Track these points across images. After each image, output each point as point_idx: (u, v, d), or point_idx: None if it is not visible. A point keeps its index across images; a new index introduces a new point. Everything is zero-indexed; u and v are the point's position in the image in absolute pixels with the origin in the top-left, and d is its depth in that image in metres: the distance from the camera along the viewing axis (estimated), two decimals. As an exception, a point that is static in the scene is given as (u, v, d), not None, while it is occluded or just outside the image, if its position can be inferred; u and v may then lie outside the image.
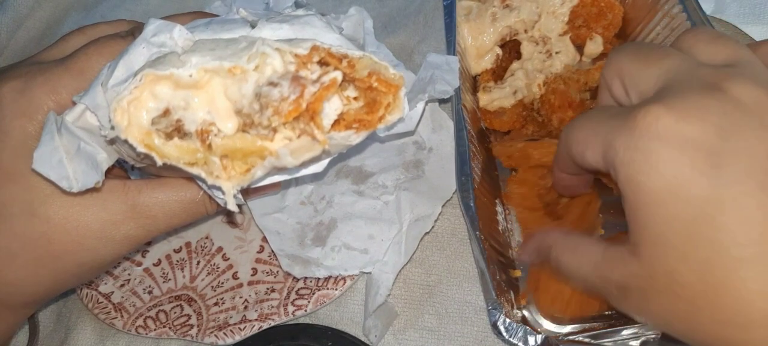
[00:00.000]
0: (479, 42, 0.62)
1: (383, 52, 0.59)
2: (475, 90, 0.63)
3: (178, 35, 0.39)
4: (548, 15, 0.62)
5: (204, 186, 0.41)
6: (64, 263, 0.44)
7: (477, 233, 0.48)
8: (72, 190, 0.39)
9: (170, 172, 0.41)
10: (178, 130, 0.37)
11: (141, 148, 0.36)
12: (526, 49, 0.63)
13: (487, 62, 0.63)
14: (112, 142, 0.39)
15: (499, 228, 0.56)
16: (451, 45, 0.58)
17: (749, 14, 0.67)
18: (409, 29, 0.71)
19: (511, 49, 0.65)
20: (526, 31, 0.63)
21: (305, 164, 0.39)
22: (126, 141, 0.36)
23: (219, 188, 0.38)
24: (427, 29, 0.71)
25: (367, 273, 0.56)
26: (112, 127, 0.36)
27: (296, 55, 0.37)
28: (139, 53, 0.39)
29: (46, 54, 0.48)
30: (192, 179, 0.44)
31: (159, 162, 0.37)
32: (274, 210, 0.59)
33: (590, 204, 0.55)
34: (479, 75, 0.63)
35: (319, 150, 0.37)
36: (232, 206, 0.39)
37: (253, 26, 0.41)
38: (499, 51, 0.63)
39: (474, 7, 0.63)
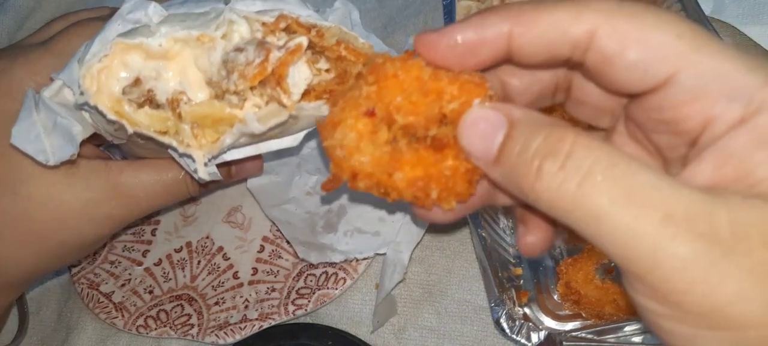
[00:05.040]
0: (479, 42, 0.62)
1: (374, 42, 0.59)
2: (474, 90, 0.63)
3: (153, 12, 0.40)
4: (548, 15, 0.62)
5: (175, 155, 0.42)
6: (46, 242, 0.45)
7: (479, 230, 0.49)
8: (49, 163, 0.40)
9: (147, 149, 0.42)
10: (150, 101, 0.38)
11: (111, 116, 0.37)
12: (525, 48, 0.63)
13: (486, 62, 0.63)
14: (81, 108, 0.40)
15: (501, 226, 0.56)
16: (450, 45, 0.58)
17: (748, 15, 0.67)
18: (408, 29, 0.71)
19: (510, 49, 0.65)
20: (525, 31, 0.63)
21: (274, 131, 0.39)
22: (95, 107, 0.37)
23: (190, 156, 0.39)
24: (426, 29, 0.71)
25: (381, 255, 0.56)
26: (82, 93, 0.37)
27: (263, 23, 0.37)
28: (114, 30, 0.39)
29: (30, 39, 0.49)
30: (173, 160, 0.45)
31: (130, 130, 0.37)
32: (281, 202, 0.60)
33: None
34: (479, 75, 0.63)
35: (285, 115, 0.38)
36: (203, 174, 0.39)
37: (226, 2, 0.42)
38: (498, 51, 0.63)
39: (473, 6, 0.63)
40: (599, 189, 0.25)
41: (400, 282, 0.54)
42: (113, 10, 0.50)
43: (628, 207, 0.25)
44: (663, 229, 0.24)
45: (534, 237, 0.36)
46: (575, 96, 0.37)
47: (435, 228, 0.58)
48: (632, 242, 0.25)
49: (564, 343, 0.46)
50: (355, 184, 0.34)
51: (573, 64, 0.32)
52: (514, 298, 0.51)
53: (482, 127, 0.30)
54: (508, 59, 0.33)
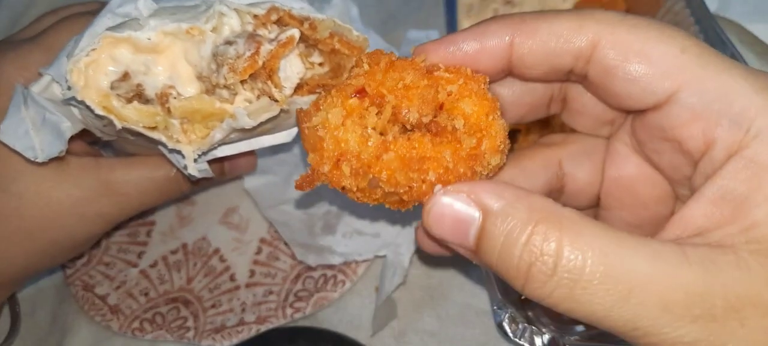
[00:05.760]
0: (481, 39, 0.61)
1: (373, 39, 0.59)
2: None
3: (143, 5, 0.39)
4: (551, 12, 0.62)
5: (165, 151, 0.41)
6: (37, 240, 0.45)
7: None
8: (37, 160, 0.40)
9: (138, 145, 0.41)
10: (139, 96, 0.38)
11: (99, 110, 0.36)
12: (528, 46, 0.62)
13: (488, 60, 0.62)
14: (69, 103, 0.39)
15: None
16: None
17: (753, 12, 0.66)
18: (409, 26, 0.71)
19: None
20: (528, 29, 0.62)
21: (266, 126, 0.39)
22: (83, 102, 0.36)
23: (179, 152, 0.38)
24: (427, 26, 0.71)
25: (381, 257, 0.56)
26: (69, 88, 0.36)
27: (254, 16, 0.37)
28: (103, 24, 0.39)
29: (20, 34, 0.49)
30: (165, 157, 0.44)
31: (118, 125, 0.37)
32: (278, 202, 0.59)
33: None
34: (480, 73, 0.63)
35: (276, 110, 0.37)
36: (192, 170, 0.39)
37: None
38: (500, 49, 0.62)
39: (476, 3, 0.62)
40: (592, 295, 0.25)
41: (400, 285, 0.53)
42: (104, 5, 0.50)
43: (626, 305, 0.25)
44: (662, 316, 0.25)
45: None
46: (572, 107, 0.37)
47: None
48: (633, 333, 0.25)
49: (568, 347, 0.46)
50: (338, 171, 0.30)
51: (575, 77, 0.32)
52: (518, 301, 0.50)
53: (448, 225, 0.28)
54: (509, 71, 0.32)
